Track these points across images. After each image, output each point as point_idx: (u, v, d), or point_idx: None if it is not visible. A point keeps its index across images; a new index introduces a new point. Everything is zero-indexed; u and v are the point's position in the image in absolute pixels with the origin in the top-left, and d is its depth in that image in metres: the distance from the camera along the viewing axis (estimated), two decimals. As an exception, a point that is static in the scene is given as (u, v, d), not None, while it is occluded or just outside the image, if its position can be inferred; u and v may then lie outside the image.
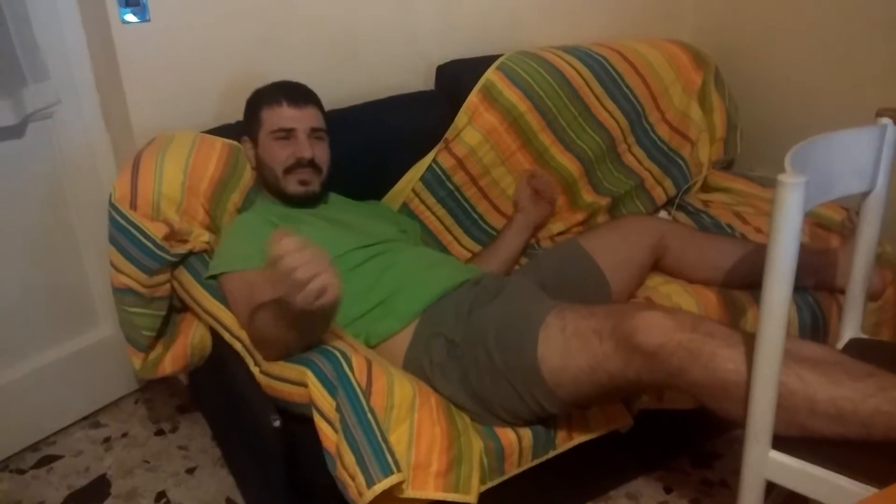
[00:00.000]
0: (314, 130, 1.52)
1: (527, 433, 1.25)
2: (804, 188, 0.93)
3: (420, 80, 2.00)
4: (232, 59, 1.71)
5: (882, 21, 1.93)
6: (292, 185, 1.51)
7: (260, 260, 1.30)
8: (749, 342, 1.03)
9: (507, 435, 1.24)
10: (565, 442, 1.29)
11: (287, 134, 1.50)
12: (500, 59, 1.91)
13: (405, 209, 1.80)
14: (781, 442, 1.03)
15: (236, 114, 1.62)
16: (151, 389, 1.98)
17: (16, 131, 1.58)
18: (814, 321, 1.55)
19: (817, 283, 1.56)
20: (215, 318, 1.39)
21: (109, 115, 1.71)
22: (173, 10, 1.61)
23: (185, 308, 1.53)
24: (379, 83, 1.90)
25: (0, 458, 1.73)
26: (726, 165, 2.23)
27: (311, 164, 1.50)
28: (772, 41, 2.21)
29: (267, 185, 1.56)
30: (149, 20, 1.58)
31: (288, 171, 1.50)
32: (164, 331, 1.51)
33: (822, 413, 1.00)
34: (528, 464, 1.27)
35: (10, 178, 1.61)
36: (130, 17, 1.56)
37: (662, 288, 1.58)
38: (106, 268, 1.48)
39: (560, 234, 1.91)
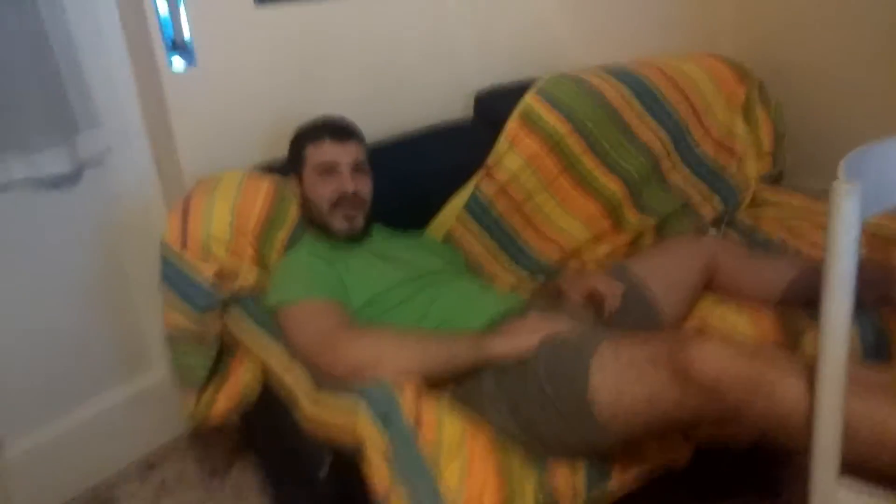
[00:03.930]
0: (357, 164, 1.55)
1: (580, 467, 1.22)
2: (860, 194, 0.90)
3: (459, 108, 2.02)
4: (275, 98, 1.75)
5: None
6: (338, 222, 1.53)
7: (320, 291, 1.37)
8: (810, 368, 0.99)
9: (561, 470, 1.21)
10: (619, 475, 1.25)
11: (330, 169, 1.52)
12: (539, 84, 1.91)
13: (450, 238, 1.80)
14: (850, 468, 0.98)
15: (282, 150, 1.65)
16: (204, 432, 1.98)
17: (70, 178, 1.63)
18: (878, 340, 1.48)
19: (880, 298, 1.50)
20: (264, 355, 1.40)
21: (160, 159, 1.76)
22: (218, 54, 1.66)
23: (235, 349, 1.55)
24: (419, 113, 1.92)
25: (60, 502, 1.76)
26: (775, 179, 2.17)
27: (355, 196, 1.53)
28: (815, 50, 2.17)
29: (313, 221, 1.58)
30: (195, 65, 1.63)
31: (333, 206, 1.52)
32: (216, 371, 1.53)
33: (891, 445, 0.95)
34: (582, 500, 1.23)
35: (65, 224, 1.66)
36: (178, 63, 1.61)
37: (716, 309, 1.54)
38: (158, 311, 1.51)
39: (606, 256, 1.88)
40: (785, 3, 2.21)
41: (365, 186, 1.56)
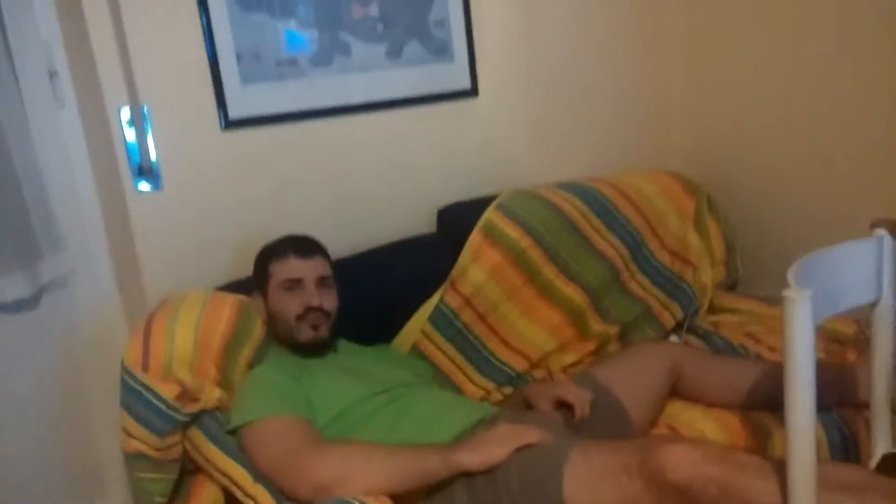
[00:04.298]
0: (322, 279, 1.57)
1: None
2: (810, 301, 0.94)
3: (423, 223, 2.07)
4: (241, 218, 1.78)
5: (868, 131, 2.00)
6: (304, 333, 1.53)
7: (285, 408, 1.36)
8: (780, 469, 1.00)
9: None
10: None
11: (295, 284, 1.54)
12: (498, 199, 1.98)
13: (415, 350, 1.80)
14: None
15: (247, 270, 1.66)
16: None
17: (30, 302, 1.61)
18: (843, 440, 1.50)
19: (840, 399, 1.53)
20: (229, 477, 1.35)
21: (122, 279, 1.76)
22: (184, 177, 1.69)
23: (196, 470, 1.49)
24: (383, 229, 1.96)
25: None
26: (731, 286, 2.25)
27: (320, 310, 1.54)
28: (761, 161, 2.29)
29: (278, 336, 1.58)
30: (161, 189, 1.66)
31: (299, 318, 1.53)
32: (177, 495, 1.47)
33: None
34: None
35: (24, 348, 1.62)
36: (144, 187, 1.64)
37: (683, 415, 1.55)
38: (115, 435, 1.46)
39: (572, 364, 1.89)
40: (731, 121, 2.36)
41: (330, 301, 1.57)
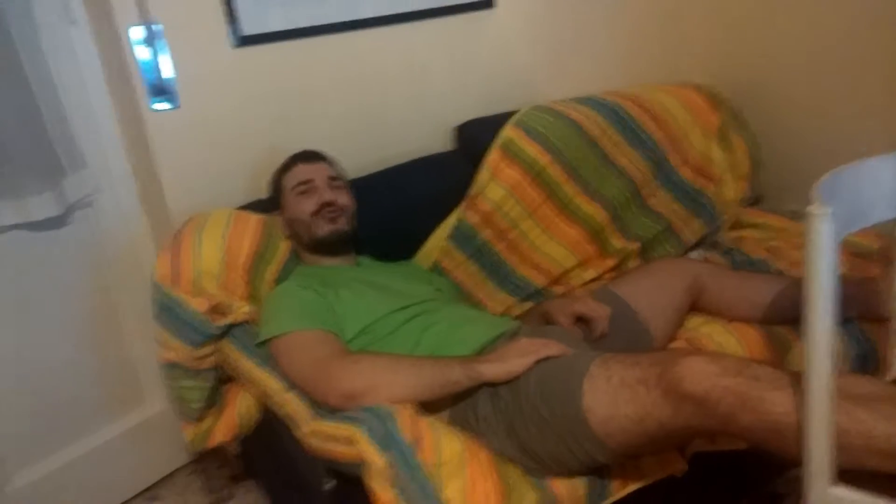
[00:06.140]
0: (332, 179, 1.63)
1: (580, 483, 1.23)
2: (833, 219, 0.93)
3: (440, 141, 2.05)
4: (258, 138, 1.78)
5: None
6: (322, 227, 1.59)
7: (311, 322, 1.39)
8: (797, 381, 1.01)
9: (560, 486, 1.22)
10: (620, 490, 1.26)
11: (307, 186, 1.60)
12: (517, 115, 1.95)
13: (437, 267, 1.82)
14: (845, 475, 1.00)
15: (266, 189, 1.68)
16: (204, 461, 1.99)
17: (59, 222, 1.64)
18: (862, 353, 1.51)
19: (862, 313, 1.54)
20: (262, 386, 1.41)
21: (146, 199, 1.77)
22: (200, 96, 1.68)
23: (231, 378, 1.55)
24: (401, 148, 1.95)
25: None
26: (754, 202, 2.22)
27: (335, 204, 1.60)
28: (787, 74, 2.22)
29: (301, 242, 1.62)
30: (178, 107, 1.65)
31: (314, 214, 1.58)
32: (213, 402, 1.54)
33: (878, 451, 0.97)
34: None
35: (56, 266, 1.66)
36: (160, 105, 1.63)
37: (703, 328, 1.57)
38: (150, 346, 1.52)
39: (592, 280, 1.91)
40: (755, 28, 2.27)
41: (343, 197, 1.63)
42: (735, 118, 2.18)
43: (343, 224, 1.61)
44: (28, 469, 1.68)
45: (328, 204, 1.59)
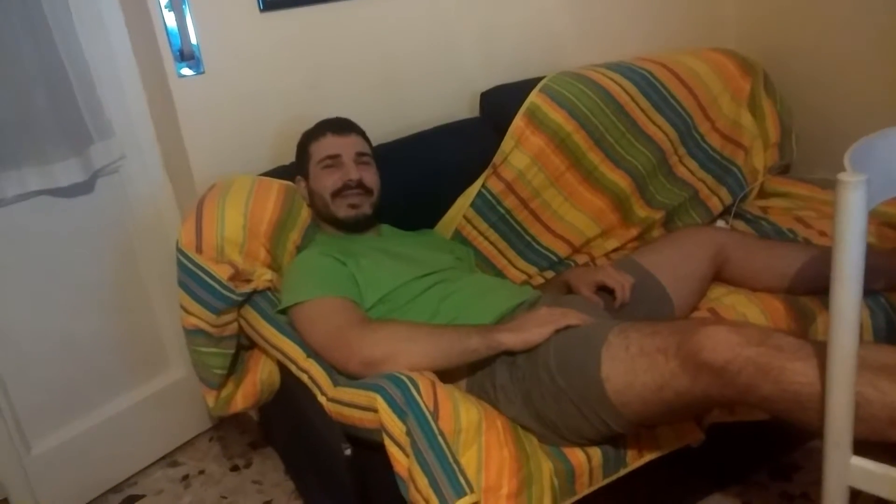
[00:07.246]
0: (360, 155, 1.59)
1: (596, 452, 1.24)
2: (866, 186, 0.91)
3: (465, 108, 2.03)
4: (283, 105, 1.78)
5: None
6: (342, 210, 1.57)
7: (332, 289, 1.39)
8: (820, 352, 1.00)
9: (577, 455, 1.23)
10: (636, 460, 1.27)
11: (333, 161, 1.57)
12: (543, 82, 1.92)
13: (458, 236, 1.82)
14: (863, 446, 0.99)
15: (290, 156, 1.68)
16: (224, 427, 2.04)
17: (85, 188, 1.67)
18: (889, 324, 1.49)
19: (889, 284, 1.51)
20: (282, 352, 1.42)
21: (171, 165, 1.79)
22: (226, 62, 1.68)
23: (252, 345, 1.58)
24: (425, 115, 1.93)
25: (85, 500, 1.80)
26: (783, 170, 2.18)
27: (360, 185, 1.56)
28: (820, 39, 2.17)
29: (321, 215, 1.62)
30: (203, 72, 1.66)
31: (335, 195, 1.56)
32: (235, 368, 1.56)
33: None
34: (600, 483, 1.25)
35: (82, 232, 1.69)
36: (186, 71, 1.64)
37: (726, 299, 1.55)
38: (174, 313, 1.53)
39: (615, 250, 1.89)
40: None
41: (370, 175, 1.60)
42: (766, 84, 2.13)
43: (366, 208, 1.58)
44: (50, 435, 1.72)
45: (351, 183, 1.56)
